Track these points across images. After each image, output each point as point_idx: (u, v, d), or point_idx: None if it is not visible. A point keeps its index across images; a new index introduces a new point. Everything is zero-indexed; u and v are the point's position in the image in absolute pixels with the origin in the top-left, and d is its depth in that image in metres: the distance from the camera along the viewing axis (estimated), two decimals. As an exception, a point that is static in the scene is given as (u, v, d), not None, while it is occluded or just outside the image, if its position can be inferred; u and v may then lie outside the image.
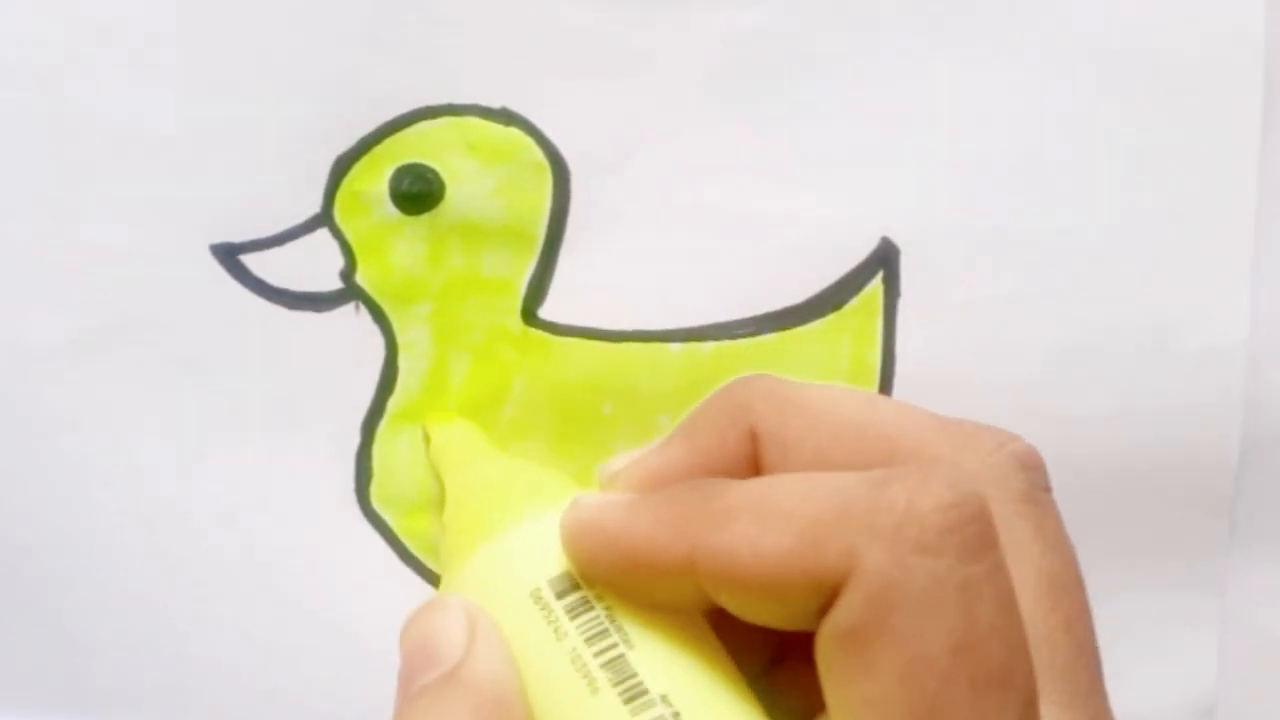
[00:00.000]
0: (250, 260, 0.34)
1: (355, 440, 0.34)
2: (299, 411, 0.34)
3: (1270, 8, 0.32)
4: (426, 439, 0.34)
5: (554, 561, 0.24)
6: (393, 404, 0.34)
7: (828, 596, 0.20)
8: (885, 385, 0.34)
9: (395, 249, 0.34)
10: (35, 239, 0.33)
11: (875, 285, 0.34)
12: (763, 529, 0.21)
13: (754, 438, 0.25)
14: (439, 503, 0.33)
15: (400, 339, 0.34)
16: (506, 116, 0.33)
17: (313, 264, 0.34)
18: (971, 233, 0.33)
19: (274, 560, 0.34)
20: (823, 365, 0.34)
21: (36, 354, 0.34)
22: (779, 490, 0.22)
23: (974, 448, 0.24)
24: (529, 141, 0.33)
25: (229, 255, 0.34)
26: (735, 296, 0.34)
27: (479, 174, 0.33)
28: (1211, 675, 0.35)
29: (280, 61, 0.33)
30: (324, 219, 0.34)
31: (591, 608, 0.23)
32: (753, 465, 0.25)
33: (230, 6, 0.33)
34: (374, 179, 0.33)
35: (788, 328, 0.34)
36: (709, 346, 0.34)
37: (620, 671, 0.23)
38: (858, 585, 0.20)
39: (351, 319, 0.34)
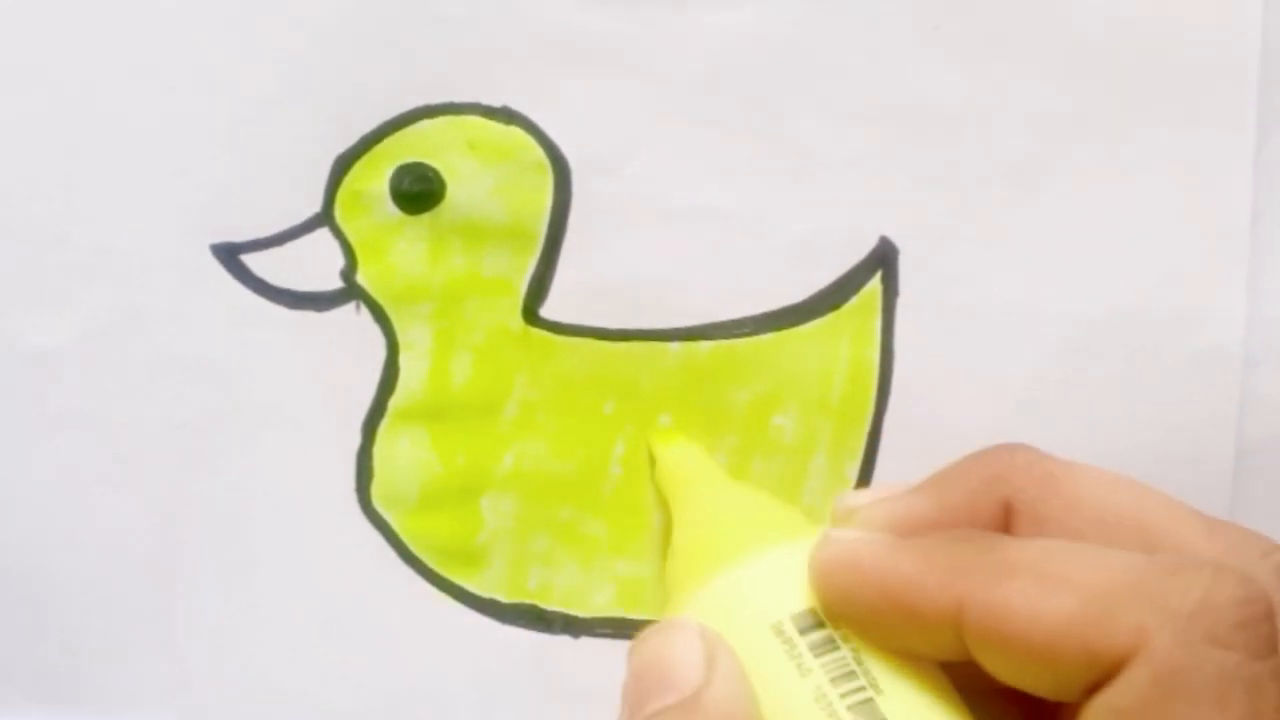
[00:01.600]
0: (251, 260, 0.34)
1: (356, 440, 0.34)
2: (299, 411, 0.34)
3: (1267, 9, 0.32)
4: (651, 459, 0.34)
5: (797, 597, 0.24)
6: (394, 404, 0.34)
7: (1104, 671, 0.20)
8: (884, 385, 0.34)
9: (396, 248, 0.34)
10: (35, 239, 0.33)
11: (874, 285, 0.34)
12: (1044, 591, 0.21)
13: (1007, 508, 0.24)
14: (664, 526, 0.32)
15: (401, 338, 0.34)
16: (507, 116, 0.33)
17: (313, 264, 0.34)
18: (970, 233, 0.33)
19: (274, 560, 0.34)
20: (821, 365, 0.34)
21: (36, 354, 0.34)
22: (1062, 555, 0.21)
23: (1240, 552, 0.23)
24: (530, 141, 0.33)
25: (229, 255, 0.34)
26: (735, 296, 0.34)
27: (480, 173, 0.33)
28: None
29: (280, 61, 0.33)
30: (324, 218, 0.34)
31: (838, 647, 0.23)
32: (1001, 533, 0.24)
33: (230, 6, 0.33)
34: (374, 178, 0.33)
35: (787, 327, 0.34)
36: (708, 346, 0.34)
37: (869, 716, 0.22)
38: (1144, 665, 0.20)
39: (352, 319, 0.34)
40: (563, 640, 0.35)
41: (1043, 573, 0.21)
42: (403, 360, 0.34)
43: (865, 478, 0.34)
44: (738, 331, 0.34)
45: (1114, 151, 0.33)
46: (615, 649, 0.35)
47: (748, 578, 0.25)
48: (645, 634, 0.25)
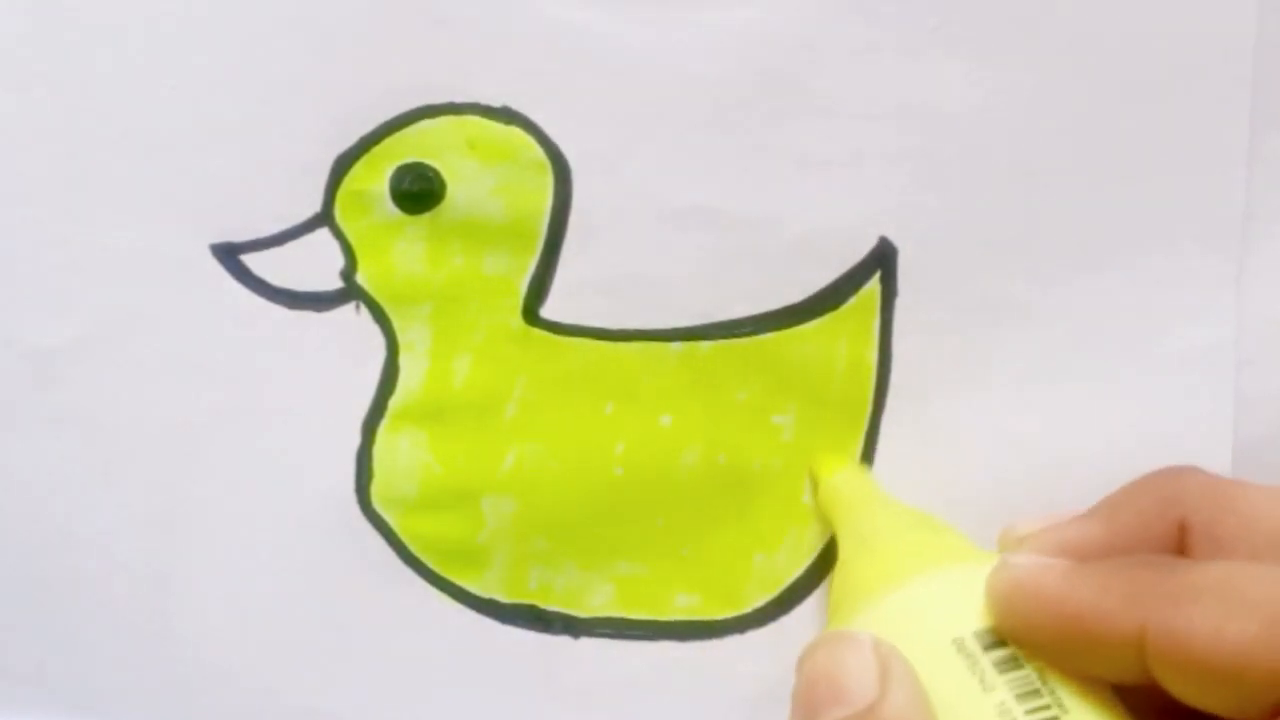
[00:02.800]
0: (250, 260, 0.34)
1: (355, 440, 0.34)
2: (299, 412, 0.34)
3: (1261, 9, 0.33)
4: (814, 484, 0.34)
5: (977, 615, 0.24)
6: (393, 404, 0.34)
7: None
8: (881, 385, 0.34)
9: (396, 248, 0.34)
10: (36, 239, 0.33)
11: (873, 285, 0.34)
12: (1228, 613, 0.21)
13: (1182, 529, 0.24)
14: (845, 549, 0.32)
15: (401, 339, 0.34)
16: (507, 115, 0.33)
17: (313, 264, 0.34)
18: (969, 233, 0.33)
19: (274, 560, 0.34)
20: (820, 364, 0.34)
21: (36, 354, 0.34)
22: (1242, 576, 0.22)
23: None
24: (530, 140, 0.33)
25: (229, 255, 0.34)
26: (734, 295, 0.34)
27: (480, 173, 0.33)
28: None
29: (280, 61, 0.33)
30: (324, 218, 0.33)
31: (1021, 666, 0.23)
32: (1177, 556, 0.25)
33: (230, 6, 0.33)
34: (374, 178, 0.33)
35: (786, 327, 0.34)
36: (708, 345, 0.34)
37: None
38: None
39: (352, 319, 0.34)
40: (563, 640, 0.35)
41: (1224, 595, 0.21)
42: (402, 360, 0.34)
43: (864, 477, 0.34)
44: (738, 331, 0.34)
45: (1110, 151, 0.33)
46: (615, 649, 0.35)
47: (926, 594, 0.25)
48: (815, 643, 0.25)
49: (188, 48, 0.33)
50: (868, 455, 0.34)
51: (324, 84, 0.33)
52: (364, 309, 0.34)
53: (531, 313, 0.34)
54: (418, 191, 0.33)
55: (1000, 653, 0.24)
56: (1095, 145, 0.33)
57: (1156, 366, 0.34)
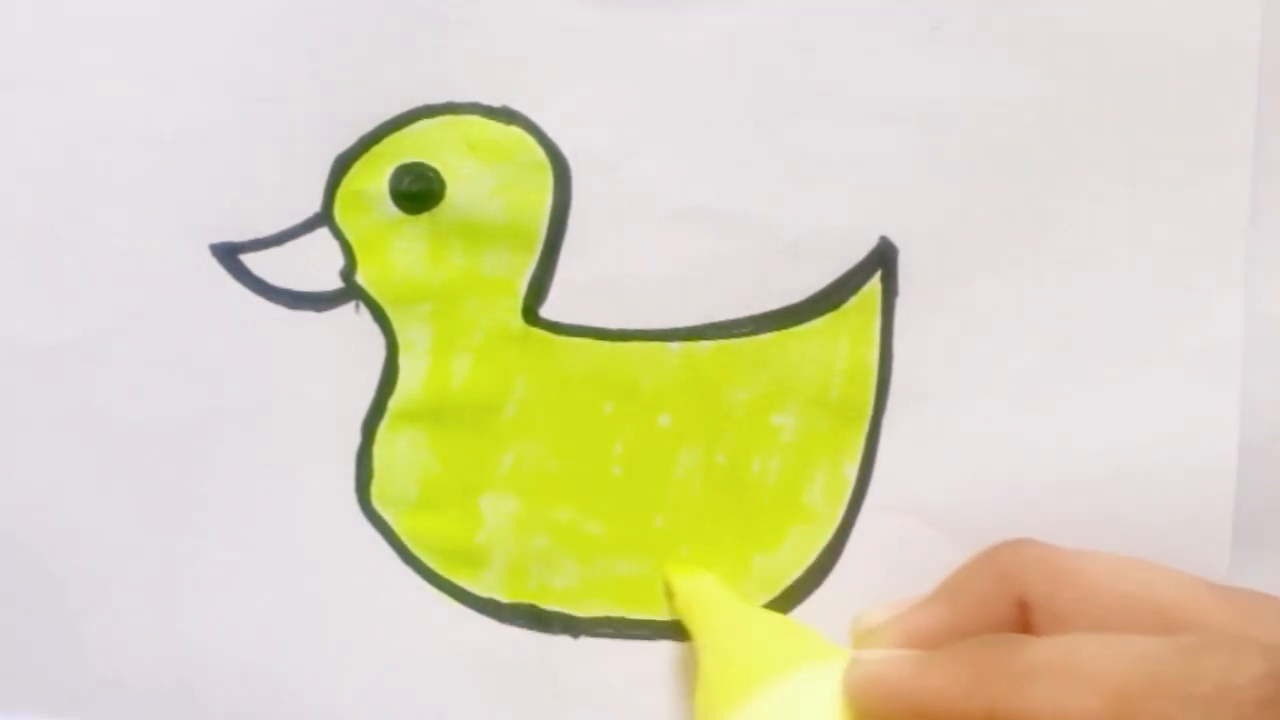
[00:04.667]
0: (250, 260, 0.34)
1: (355, 440, 0.34)
2: (299, 411, 0.34)
3: (1267, 8, 0.32)
4: (669, 592, 0.34)
5: (836, 715, 0.24)
6: (393, 404, 0.34)
7: None
8: (882, 385, 0.34)
9: (395, 248, 0.34)
10: (35, 239, 0.33)
11: (873, 285, 0.34)
12: (1069, 691, 0.21)
13: (1023, 606, 0.25)
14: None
15: (401, 338, 0.34)
16: (507, 115, 0.33)
17: (313, 263, 0.34)
18: (970, 233, 0.33)
19: (274, 560, 0.34)
20: (820, 364, 0.34)
21: (36, 354, 0.34)
22: (1082, 649, 0.22)
23: (1257, 618, 0.24)
24: (530, 140, 0.33)
25: (229, 255, 0.34)
26: (734, 296, 0.34)
27: (479, 173, 0.33)
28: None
29: (280, 61, 0.33)
30: (324, 218, 0.34)
31: None
32: (1019, 631, 0.25)
33: (230, 7, 0.33)
34: (374, 178, 0.33)
35: (786, 327, 0.34)
36: (707, 345, 0.34)
37: None
38: None
39: (352, 319, 0.34)
40: (562, 640, 0.35)
41: (1065, 671, 0.21)
42: (402, 360, 0.34)
43: (864, 477, 0.34)
44: (737, 331, 0.34)
45: (1113, 150, 0.33)
46: (615, 649, 0.35)
47: (784, 699, 0.25)
48: None
49: (188, 47, 0.33)
50: (869, 456, 0.34)
51: (324, 84, 0.33)
52: (364, 309, 0.34)
53: (531, 313, 0.34)
54: (417, 191, 0.33)
55: None
56: (1098, 144, 0.33)
57: (1161, 367, 0.34)
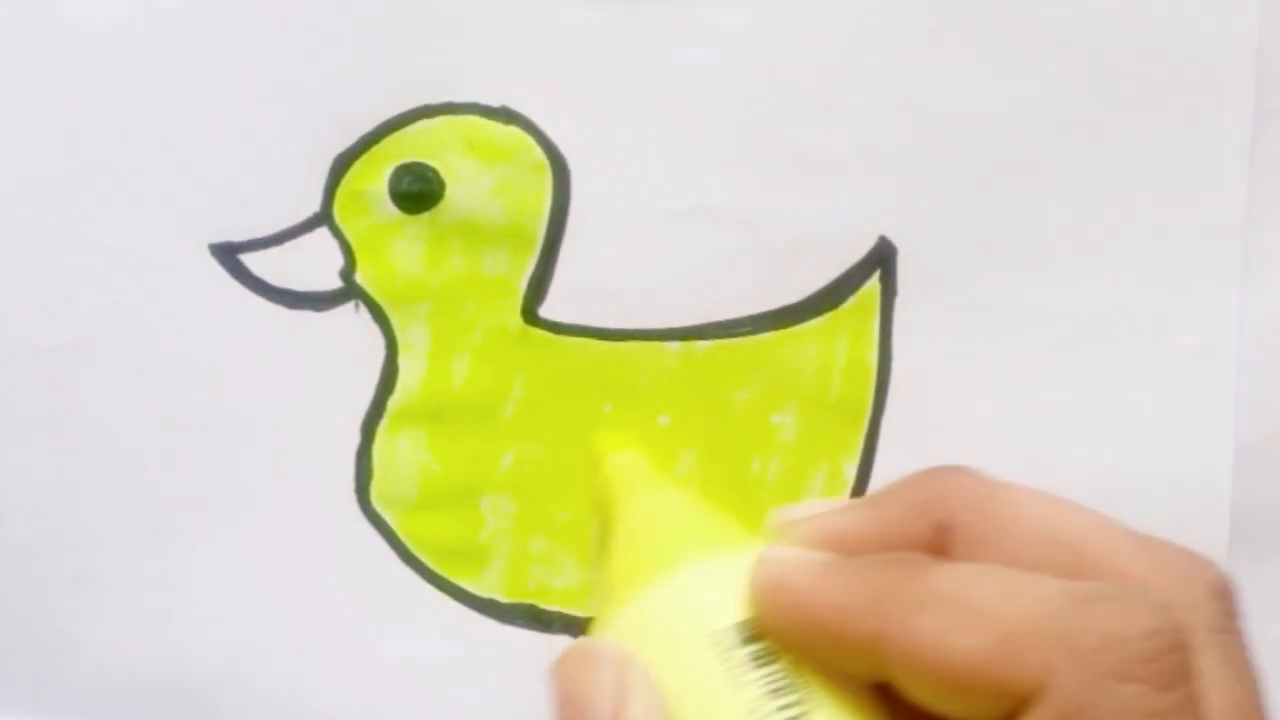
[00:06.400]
0: (250, 260, 0.34)
1: (355, 440, 0.34)
2: (298, 411, 0.34)
3: (1265, 8, 0.33)
4: (594, 462, 0.34)
5: (736, 607, 0.24)
6: (393, 404, 0.34)
7: (1014, 704, 0.20)
8: (882, 384, 0.34)
9: (395, 248, 0.34)
10: (35, 239, 0.33)
11: (873, 284, 0.34)
12: (957, 624, 0.21)
13: (944, 530, 0.24)
14: (601, 534, 0.32)
15: (400, 338, 0.34)
16: (506, 115, 0.33)
17: (313, 263, 0.34)
18: (968, 232, 0.33)
19: (273, 560, 0.34)
20: (820, 364, 0.34)
21: (36, 354, 0.34)
22: (978, 585, 0.22)
23: (1169, 571, 0.23)
24: (529, 140, 0.33)
25: (229, 255, 0.34)
26: (734, 296, 0.34)
27: (479, 173, 0.33)
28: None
29: (280, 61, 0.33)
30: (324, 218, 0.34)
31: (775, 660, 0.23)
32: (938, 554, 0.24)
33: (230, 7, 0.33)
34: (374, 178, 0.33)
35: (785, 326, 0.34)
36: (707, 345, 0.34)
37: None
38: (1049, 703, 0.20)
39: (351, 318, 0.34)
40: (562, 640, 0.35)
41: (958, 605, 0.21)
42: (402, 360, 0.34)
43: (864, 476, 0.34)
44: (736, 331, 0.34)
45: (1111, 151, 0.33)
46: (615, 648, 0.35)
47: (690, 585, 0.25)
48: (564, 657, 0.25)
49: (188, 48, 0.33)
50: (868, 455, 0.34)
51: (324, 84, 0.33)
52: (363, 309, 0.34)
53: (530, 313, 0.34)
54: (417, 191, 0.33)
55: (755, 647, 0.23)
56: (1096, 144, 0.33)
57: (1157, 366, 0.34)
